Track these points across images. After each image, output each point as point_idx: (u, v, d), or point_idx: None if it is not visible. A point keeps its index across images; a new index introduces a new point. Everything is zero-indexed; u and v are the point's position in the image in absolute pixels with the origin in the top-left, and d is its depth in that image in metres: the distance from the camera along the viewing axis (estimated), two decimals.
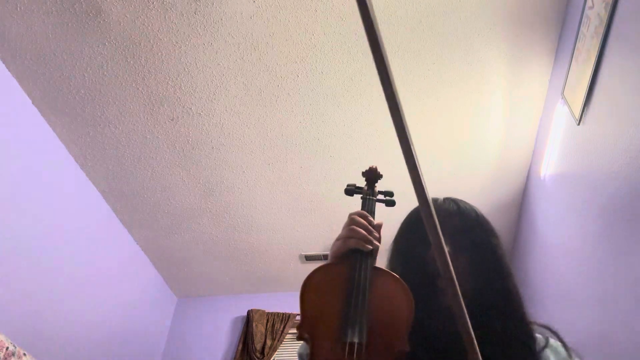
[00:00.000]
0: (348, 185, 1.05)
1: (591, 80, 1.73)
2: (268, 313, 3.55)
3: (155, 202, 2.95)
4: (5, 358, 2.03)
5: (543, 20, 2.12)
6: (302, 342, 0.85)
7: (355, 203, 1.00)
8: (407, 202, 1.01)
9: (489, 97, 2.41)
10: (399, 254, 0.98)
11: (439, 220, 0.91)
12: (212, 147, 2.63)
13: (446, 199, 1.00)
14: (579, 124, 1.91)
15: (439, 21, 2.11)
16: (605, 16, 1.61)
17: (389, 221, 0.96)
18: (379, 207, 0.99)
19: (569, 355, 0.88)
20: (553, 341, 0.90)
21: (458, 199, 1.00)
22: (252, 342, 3.37)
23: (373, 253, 0.85)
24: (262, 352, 3.35)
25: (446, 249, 0.87)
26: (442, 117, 2.50)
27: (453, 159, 2.72)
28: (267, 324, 3.49)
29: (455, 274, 0.86)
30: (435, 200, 1.01)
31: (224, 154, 2.67)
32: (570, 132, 2.08)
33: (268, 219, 3.10)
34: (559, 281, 2.22)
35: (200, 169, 2.74)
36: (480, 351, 0.81)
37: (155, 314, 3.53)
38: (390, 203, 1.03)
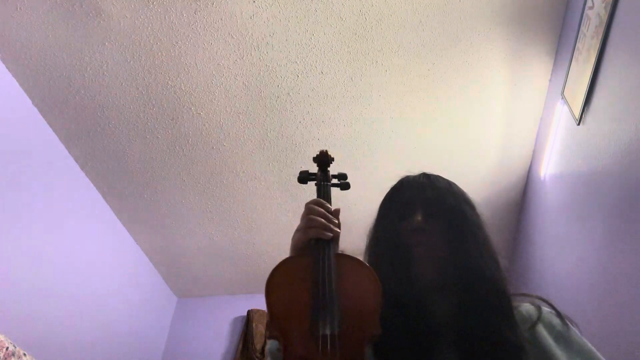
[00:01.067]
0: (300, 173, 1.03)
1: (591, 80, 1.73)
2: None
3: (155, 202, 2.95)
4: (5, 358, 2.03)
5: (543, 20, 2.12)
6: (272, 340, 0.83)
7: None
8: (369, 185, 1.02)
9: (488, 97, 2.41)
10: (374, 231, 0.97)
11: (412, 194, 0.93)
12: (212, 147, 2.63)
13: (419, 174, 1.01)
14: (579, 124, 1.91)
15: (439, 21, 2.11)
16: (605, 16, 1.61)
17: (346, 204, 0.95)
18: (335, 192, 0.96)
19: (565, 324, 0.85)
20: (546, 312, 0.87)
21: (432, 173, 1.01)
22: (252, 342, 3.37)
23: (334, 240, 0.84)
24: (262, 352, 3.35)
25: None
26: (442, 117, 2.50)
27: (453, 159, 2.72)
28: (267, 324, 3.49)
29: (428, 241, 0.86)
30: (408, 176, 1.02)
31: (224, 154, 2.67)
32: (570, 132, 2.08)
33: (268, 219, 3.10)
34: (559, 281, 2.22)
35: (200, 169, 2.74)
36: (461, 323, 0.81)
37: (155, 314, 3.53)
38: (345, 186, 1.02)
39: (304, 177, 1.03)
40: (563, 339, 0.83)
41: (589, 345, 0.83)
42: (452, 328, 0.81)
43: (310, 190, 3.11)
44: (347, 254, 0.85)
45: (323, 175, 0.99)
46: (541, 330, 0.83)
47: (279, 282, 0.82)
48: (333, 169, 1.02)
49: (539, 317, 0.85)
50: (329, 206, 0.88)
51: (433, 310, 0.83)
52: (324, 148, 1.03)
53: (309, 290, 0.78)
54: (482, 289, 0.83)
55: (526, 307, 0.89)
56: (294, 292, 0.81)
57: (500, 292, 0.84)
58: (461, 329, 0.80)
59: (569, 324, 0.85)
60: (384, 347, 0.80)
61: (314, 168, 1.04)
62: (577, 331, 0.85)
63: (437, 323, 0.82)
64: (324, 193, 0.94)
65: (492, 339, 0.78)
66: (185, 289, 3.76)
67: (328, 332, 0.73)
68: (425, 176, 0.99)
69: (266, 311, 0.82)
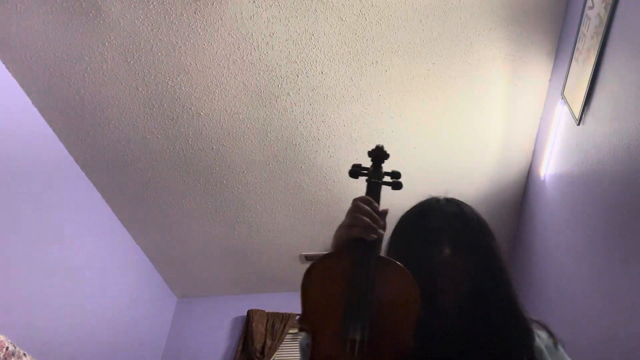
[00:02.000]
0: (353, 166, 0.98)
1: (591, 80, 1.73)
2: (268, 313, 3.55)
3: (155, 202, 2.95)
4: (5, 358, 2.03)
5: (543, 20, 2.12)
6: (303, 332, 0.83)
7: (360, 188, 0.93)
8: (412, 186, 1.01)
9: (488, 97, 2.41)
10: (398, 249, 0.95)
11: (438, 222, 0.91)
12: (212, 147, 2.63)
13: (448, 200, 0.98)
14: (579, 124, 1.91)
15: (439, 21, 2.11)
16: (605, 16, 1.61)
17: (395, 206, 0.91)
18: (385, 190, 0.92)
19: (554, 344, 0.88)
20: (540, 332, 0.90)
21: (459, 201, 0.99)
22: (252, 342, 3.37)
23: (378, 242, 0.82)
24: (262, 352, 3.35)
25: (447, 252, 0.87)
26: (442, 117, 2.50)
27: (453, 159, 2.72)
28: (267, 324, 3.49)
29: (455, 275, 0.86)
30: (437, 200, 0.99)
31: (224, 154, 2.67)
32: (570, 132, 2.08)
33: (268, 219, 3.10)
34: (559, 281, 2.22)
35: (200, 169, 2.74)
36: (482, 349, 0.81)
37: (155, 314, 3.53)
38: (397, 185, 0.96)
39: (355, 171, 0.98)
40: (552, 353, 0.87)
41: None
42: (466, 345, 0.82)
43: (308, 190, 3.10)
44: (390, 258, 0.83)
45: (376, 171, 0.95)
46: (538, 343, 0.87)
47: (316, 277, 0.80)
48: (387, 166, 0.98)
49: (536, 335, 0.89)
50: (377, 205, 0.85)
51: (452, 340, 0.84)
52: (380, 143, 0.99)
53: (344, 291, 0.77)
54: (503, 320, 0.84)
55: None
56: (329, 290, 0.80)
57: (520, 322, 0.86)
58: (476, 353, 0.81)
59: (558, 345, 0.89)
60: None
61: (365, 162, 1.00)
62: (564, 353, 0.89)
63: (451, 347, 0.82)
64: (373, 191, 0.90)
65: None
66: (185, 289, 3.76)
67: (357, 337, 0.72)
68: (455, 204, 0.98)
69: (300, 303, 0.80)
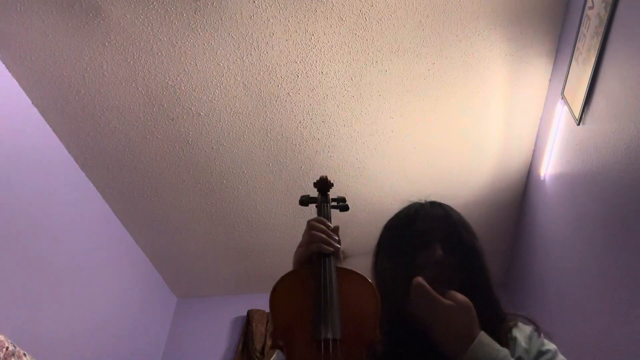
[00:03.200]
0: (301, 197, 1.10)
1: (591, 80, 1.73)
2: (268, 313, 3.54)
3: (155, 202, 2.95)
4: (5, 358, 2.03)
5: (543, 21, 2.12)
6: (277, 350, 0.87)
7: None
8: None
9: (488, 97, 2.41)
10: (388, 254, 1.02)
11: (427, 224, 0.98)
12: (212, 147, 2.63)
13: (432, 203, 1.05)
14: (579, 124, 1.91)
15: (439, 21, 2.11)
16: (605, 16, 1.61)
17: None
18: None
19: (536, 332, 0.94)
20: (521, 324, 0.96)
21: (442, 203, 1.06)
22: (252, 342, 3.36)
23: (335, 254, 0.89)
24: (262, 352, 3.35)
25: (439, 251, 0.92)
26: (442, 117, 2.50)
27: (453, 159, 2.72)
28: (267, 324, 3.49)
29: (448, 274, 0.92)
30: (421, 204, 1.05)
31: (224, 154, 2.67)
32: (570, 132, 2.08)
33: (268, 219, 3.10)
34: (559, 281, 2.22)
35: (200, 169, 2.74)
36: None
37: (155, 314, 3.53)
38: (344, 208, 1.08)
39: (305, 201, 1.09)
40: (530, 340, 0.93)
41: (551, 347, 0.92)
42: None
43: (308, 190, 3.11)
44: (347, 267, 0.90)
45: (323, 198, 1.05)
46: (514, 334, 0.93)
47: (282, 293, 0.87)
48: (333, 193, 1.08)
49: (514, 325, 0.95)
50: (329, 224, 0.93)
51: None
52: (323, 174, 1.09)
53: (311, 299, 0.83)
54: (485, 315, 0.89)
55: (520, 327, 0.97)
56: (297, 302, 0.86)
57: (498, 314, 0.94)
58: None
59: (541, 335, 0.94)
60: None
61: (314, 192, 1.10)
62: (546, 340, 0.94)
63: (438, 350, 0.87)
64: (324, 213, 1.00)
65: None
66: (185, 289, 3.76)
67: (330, 336, 0.76)
68: (439, 206, 1.04)
69: (270, 320, 0.85)
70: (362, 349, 0.79)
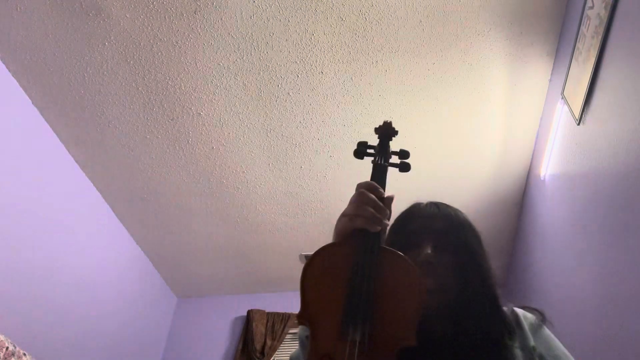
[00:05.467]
0: (359, 145, 0.92)
1: (591, 80, 1.73)
2: (268, 313, 3.55)
3: (156, 202, 2.95)
4: (5, 358, 2.03)
5: (543, 20, 2.12)
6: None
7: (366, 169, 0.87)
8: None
9: (489, 97, 2.41)
10: None
11: (419, 224, 0.92)
12: (212, 147, 2.63)
13: (428, 203, 0.99)
14: (579, 124, 1.91)
15: (439, 21, 2.11)
16: (605, 16, 1.61)
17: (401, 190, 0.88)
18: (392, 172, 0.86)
19: (541, 322, 0.88)
20: (527, 314, 0.91)
21: (440, 202, 0.99)
22: (252, 342, 3.37)
23: (381, 233, 0.77)
24: (262, 352, 3.35)
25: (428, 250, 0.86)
26: (442, 117, 2.50)
27: (453, 159, 2.72)
28: (267, 324, 3.49)
29: (439, 273, 0.86)
30: (418, 205, 0.99)
31: (224, 154, 2.67)
32: (570, 132, 2.08)
33: (268, 219, 3.10)
34: (559, 281, 2.22)
35: (200, 169, 2.74)
36: (457, 343, 0.82)
37: (155, 314, 3.53)
38: (405, 167, 0.91)
39: (361, 151, 0.92)
40: (535, 330, 0.88)
41: (557, 342, 0.88)
42: (449, 348, 0.82)
43: (308, 190, 3.08)
44: (394, 249, 0.79)
45: (382, 150, 0.89)
46: (521, 321, 0.89)
47: (316, 270, 0.76)
48: (395, 145, 0.92)
49: (518, 317, 0.90)
50: (382, 192, 0.80)
51: (432, 332, 0.83)
52: (383, 121, 0.91)
53: (345, 285, 0.73)
54: (480, 318, 0.83)
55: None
56: (330, 284, 0.75)
57: (496, 318, 0.86)
58: (457, 348, 0.81)
59: (544, 326, 0.89)
60: None
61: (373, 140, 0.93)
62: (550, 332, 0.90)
63: (434, 343, 0.82)
64: (379, 174, 0.85)
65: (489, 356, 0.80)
66: (185, 289, 3.76)
67: (357, 338, 0.69)
68: (435, 205, 0.97)
69: (300, 296, 0.76)
70: (393, 352, 0.70)
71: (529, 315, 0.91)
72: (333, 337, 0.70)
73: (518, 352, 0.81)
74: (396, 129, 0.91)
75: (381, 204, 0.78)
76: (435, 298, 0.84)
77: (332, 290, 0.74)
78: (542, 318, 0.89)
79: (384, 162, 0.87)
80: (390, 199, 0.81)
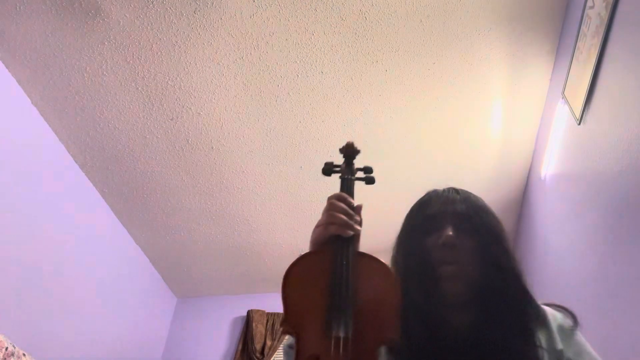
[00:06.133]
0: (326, 164, 1.00)
1: (592, 80, 1.73)
2: (268, 313, 3.55)
3: (155, 202, 2.94)
4: (5, 358, 2.03)
5: (543, 20, 2.12)
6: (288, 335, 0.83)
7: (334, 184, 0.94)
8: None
9: (489, 97, 2.40)
10: (400, 244, 0.96)
11: (442, 208, 0.91)
12: (212, 147, 2.62)
13: (448, 188, 0.98)
14: (579, 124, 1.91)
15: (439, 21, 2.11)
16: (605, 15, 1.61)
17: (368, 200, 0.92)
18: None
19: (571, 327, 0.86)
20: (556, 313, 0.89)
21: (459, 188, 0.98)
22: (252, 342, 3.36)
23: (355, 238, 0.82)
24: (262, 352, 3.35)
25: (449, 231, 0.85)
26: (442, 117, 2.50)
27: (453, 159, 2.72)
28: (267, 324, 3.49)
29: (459, 260, 0.85)
30: (436, 190, 0.99)
31: (224, 154, 2.66)
32: (570, 131, 2.08)
33: (268, 219, 3.09)
34: (559, 281, 2.22)
35: (200, 169, 2.74)
36: (482, 335, 0.81)
37: (155, 314, 3.53)
38: (370, 180, 0.98)
39: (328, 169, 1.00)
40: (565, 334, 0.85)
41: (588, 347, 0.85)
42: (472, 339, 0.81)
43: (311, 190, 3.09)
44: (368, 253, 0.82)
45: (348, 168, 0.96)
46: (549, 321, 0.87)
47: (296, 277, 0.81)
48: (359, 162, 0.99)
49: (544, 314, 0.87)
50: (352, 201, 0.85)
51: (455, 323, 0.83)
52: (350, 140, 0.99)
53: (325, 288, 0.77)
54: (509, 304, 0.83)
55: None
56: (310, 289, 0.80)
57: (528, 305, 0.85)
58: (482, 340, 0.80)
59: (577, 331, 0.87)
60: (404, 356, 0.80)
61: (338, 159, 1.01)
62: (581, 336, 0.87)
63: (457, 334, 0.82)
64: (347, 187, 0.91)
65: (511, 352, 0.78)
66: (185, 289, 3.76)
67: (342, 334, 0.72)
68: (454, 190, 0.97)
69: (282, 305, 0.80)
70: (377, 346, 0.74)
71: (559, 316, 0.89)
72: (318, 337, 0.74)
73: (544, 354, 0.80)
74: (358, 149, 0.99)
75: (351, 211, 0.83)
76: (457, 284, 0.84)
77: (314, 295, 0.78)
78: (574, 321, 0.87)
79: (351, 176, 0.94)
80: (360, 207, 0.86)
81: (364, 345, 0.73)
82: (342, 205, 0.83)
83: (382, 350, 0.78)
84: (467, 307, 0.84)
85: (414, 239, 0.92)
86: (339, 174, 0.96)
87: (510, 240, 0.93)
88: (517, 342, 0.80)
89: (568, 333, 0.86)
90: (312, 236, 0.86)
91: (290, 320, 0.78)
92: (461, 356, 0.79)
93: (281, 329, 0.81)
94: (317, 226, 0.85)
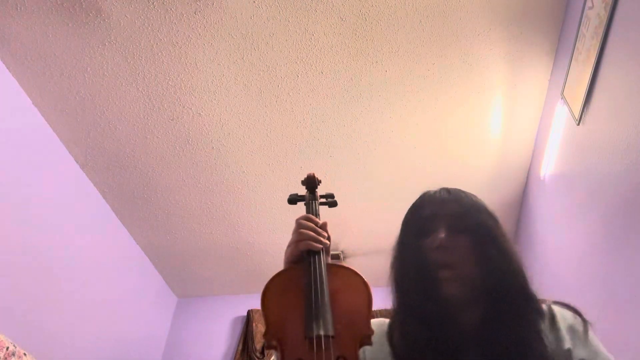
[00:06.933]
0: (290, 196, 1.12)
1: (591, 80, 1.73)
2: None
3: (155, 202, 2.95)
4: (5, 358, 2.03)
5: (543, 21, 2.12)
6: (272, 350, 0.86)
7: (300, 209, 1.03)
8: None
9: (488, 97, 2.41)
10: (399, 249, 0.96)
11: (434, 209, 0.93)
12: (212, 147, 2.63)
13: (440, 189, 0.98)
14: (578, 124, 1.91)
15: (439, 21, 2.11)
16: (605, 16, 1.61)
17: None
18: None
19: (584, 330, 0.85)
20: (564, 312, 0.88)
21: (452, 188, 0.99)
22: (252, 342, 3.37)
23: (324, 251, 0.89)
24: (262, 352, 3.35)
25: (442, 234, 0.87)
26: (442, 117, 2.50)
27: (453, 159, 2.73)
28: None
29: (455, 261, 0.86)
30: (428, 192, 0.99)
31: (224, 154, 2.67)
32: (570, 132, 2.08)
33: (268, 219, 3.10)
34: (558, 281, 2.22)
35: (200, 169, 2.74)
36: (487, 334, 0.81)
37: (155, 314, 3.53)
38: (332, 204, 1.08)
39: (293, 199, 1.11)
40: (576, 334, 0.85)
41: (600, 346, 0.84)
42: (478, 339, 0.81)
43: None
44: (337, 263, 0.91)
45: (311, 195, 1.06)
46: (557, 319, 0.86)
47: (273, 293, 0.87)
48: (321, 190, 1.09)
49: (551, 313, 0.87)
50: (318, 220, 0.94)
51: (459, 323, 0.83)
52: (311, 172, 1.10)
53: (302, 298, 0.83)
54: (510, 302, 0.83)
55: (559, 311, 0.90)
56: (288, 301, 0.85)
57: (528, 303, 0.85)
58: (487, 340, 0.80)
59: (590, 333, 0.86)
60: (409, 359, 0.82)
61: (303, 190, 1.12)
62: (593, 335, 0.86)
63: (462, 335, 0.82)
64: (312, 210, 1.01)
65: (519, 350, 0.78)
66: (185, 289, 3.76)
67: (322, 333, 0.76)
68: (446, 191, 0.97)
69: (263, 320, 0.87)
70: (355, 344, 0.79)
71: (569, 315, 0.88)
72: (300, 340, 0.78)
73: (550, 353, 0.79)
74: (319, 179, 1.10)
75: (318, 228, 0.92)
76: (457, 287, 0.84)
77: (292, 305, 0.84)
78: (584, 321, 0.87)
79: (314, 200, 1.05)
80: (325, 224, 0.94)
81: (344, 343, 0.78)
82: (309, 223, 0.92)
83: (387, 355, 0.82)
84: (472, 306, 0.84)
85: (410, 243, 0.93)
86: (303, 201, 1.08)
87: (507, 235, 0.93)
88: (524, 341, 0.79)
89: (580, 334, 0.85)
90: (285, 256, 0.92)
91: (272, 330, 0.82)
92: (467, 356, 0.79)
93: (266, 343, 0.85)
94: (288, 246, 0.92)
